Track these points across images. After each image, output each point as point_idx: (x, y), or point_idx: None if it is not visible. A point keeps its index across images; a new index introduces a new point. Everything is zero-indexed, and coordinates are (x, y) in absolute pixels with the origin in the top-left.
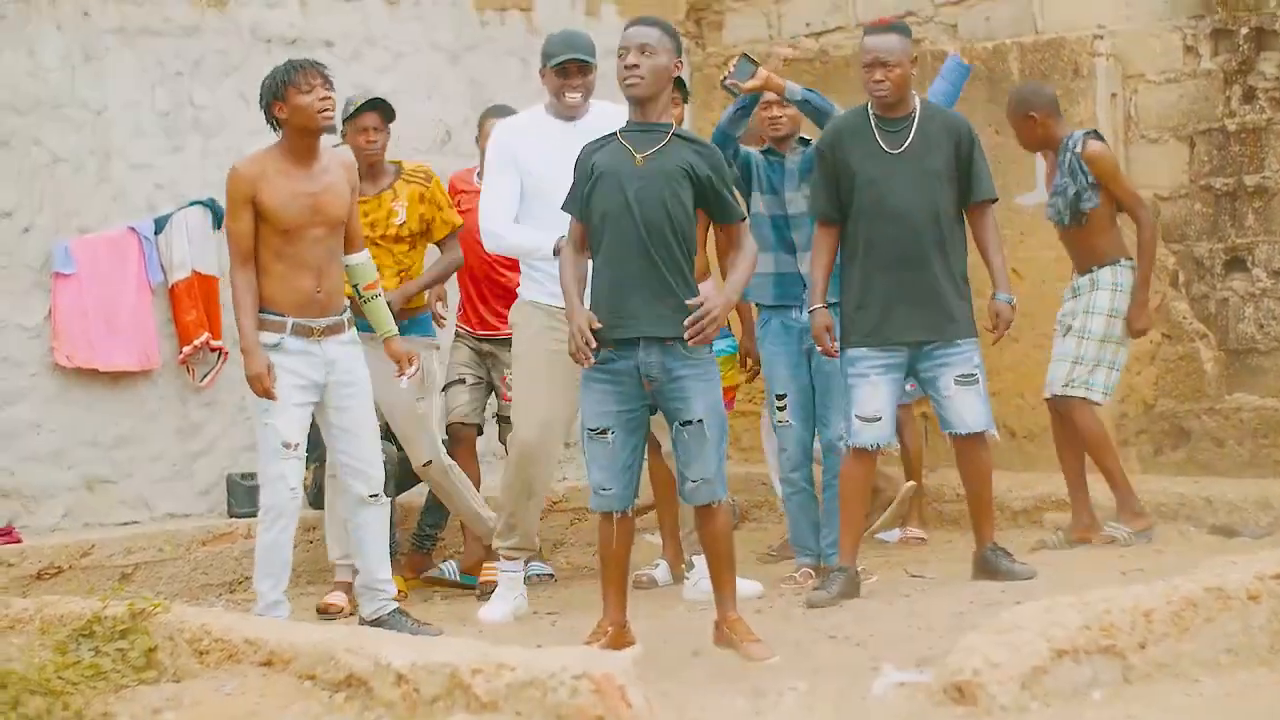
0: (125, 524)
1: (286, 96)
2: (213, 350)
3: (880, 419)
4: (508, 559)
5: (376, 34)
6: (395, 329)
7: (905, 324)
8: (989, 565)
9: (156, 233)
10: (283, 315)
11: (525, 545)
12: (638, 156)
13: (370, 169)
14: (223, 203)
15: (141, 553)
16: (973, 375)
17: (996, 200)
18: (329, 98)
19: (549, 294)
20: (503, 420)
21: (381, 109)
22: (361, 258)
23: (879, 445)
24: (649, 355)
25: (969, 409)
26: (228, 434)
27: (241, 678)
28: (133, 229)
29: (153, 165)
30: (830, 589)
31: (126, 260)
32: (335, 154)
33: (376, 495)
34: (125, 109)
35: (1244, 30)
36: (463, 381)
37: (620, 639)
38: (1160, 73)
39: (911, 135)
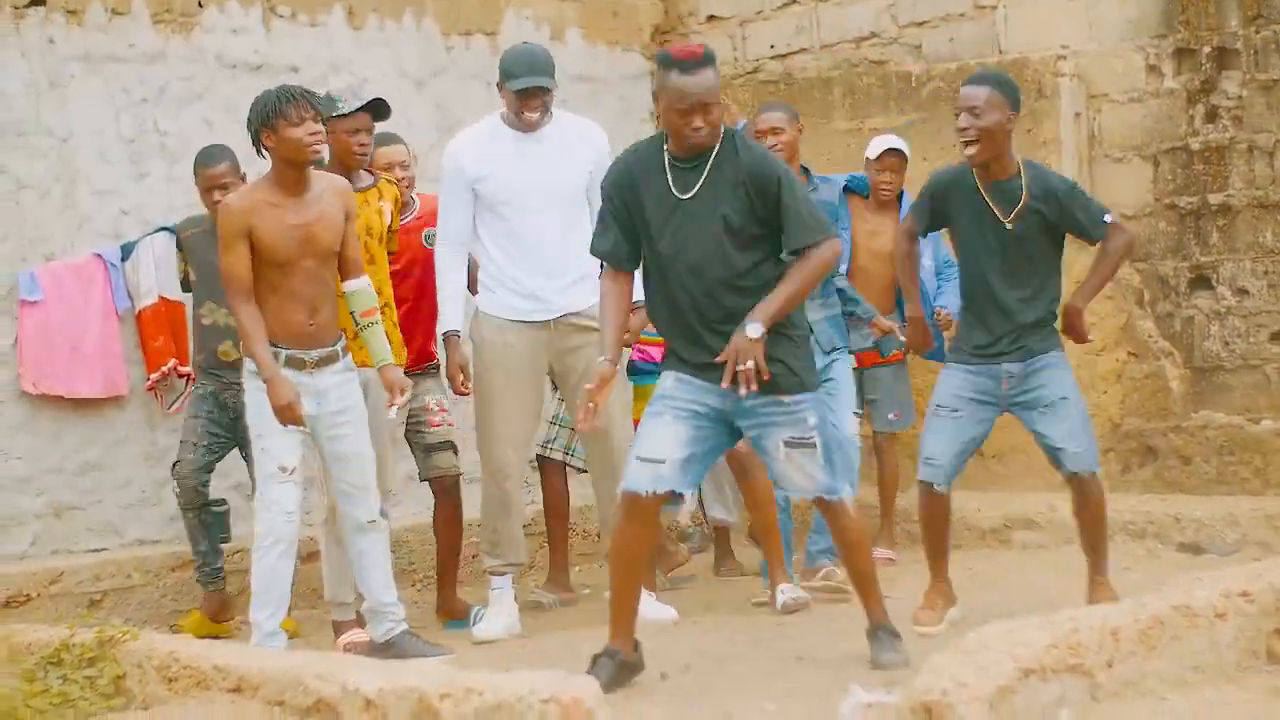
0: (94, 551)
1: (276, 127)
2: (180, 376)
3: (663, 462)
4: (495, 575)
5: (341, 60)
6: (391, 358)
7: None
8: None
9: (123, 259)
10: (276, 347)
11: (511, 560)
12: None
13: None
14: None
15: (110, 579)
16: (809, 438)
17: (819, 243)
18: (319, 132)
19: (504, 305)
20: (433, 449)
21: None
22: (359, 284)
23: (655, 491)
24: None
25: (798, 472)
26: None
27: (210, 705)
28: (98, 255)
29: (118, 191)
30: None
31: (92, 287)
32: (328, 179)
33: (375, 520)
34: (90, 135)
35: (1206, 50)
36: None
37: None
38: (1124, 92)
39: (701, 179)
